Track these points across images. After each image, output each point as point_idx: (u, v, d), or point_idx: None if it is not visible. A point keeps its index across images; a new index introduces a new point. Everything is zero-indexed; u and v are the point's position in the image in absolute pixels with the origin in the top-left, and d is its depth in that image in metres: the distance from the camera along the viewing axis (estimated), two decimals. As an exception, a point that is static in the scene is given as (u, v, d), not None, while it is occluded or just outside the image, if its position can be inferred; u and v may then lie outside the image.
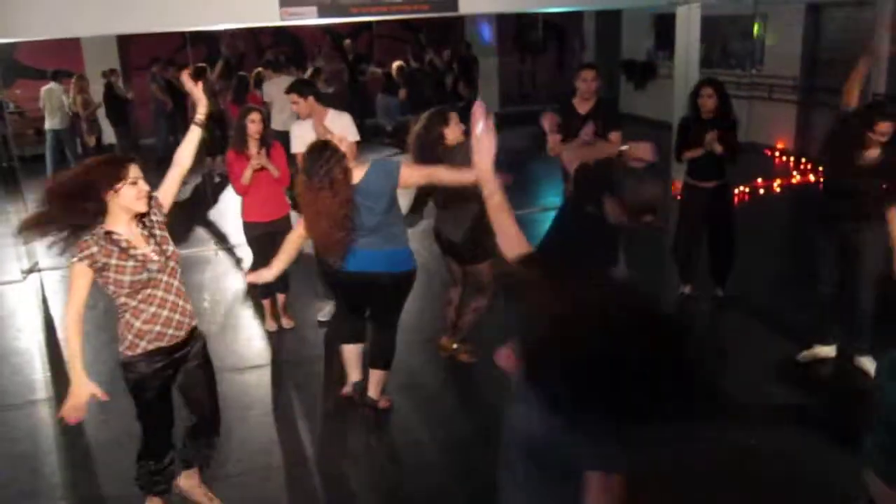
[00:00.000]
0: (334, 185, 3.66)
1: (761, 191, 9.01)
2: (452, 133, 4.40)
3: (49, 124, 10.77)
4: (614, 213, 3.08)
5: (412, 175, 3.93)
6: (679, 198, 5.82)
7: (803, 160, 10.20)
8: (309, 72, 10.78)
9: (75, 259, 2.87)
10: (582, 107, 5.43)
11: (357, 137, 5.29)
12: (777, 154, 10.87)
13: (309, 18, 7.16)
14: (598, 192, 3.16)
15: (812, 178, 9.48)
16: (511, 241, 2.10)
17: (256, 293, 5.82)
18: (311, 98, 5.19)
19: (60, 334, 5.83)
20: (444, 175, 3.86)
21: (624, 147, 3.71)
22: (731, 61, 12.84)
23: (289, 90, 5.29)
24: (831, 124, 4.71)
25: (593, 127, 4.76)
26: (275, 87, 9.16)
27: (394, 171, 3.83)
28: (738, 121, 5.47)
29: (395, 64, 11.56)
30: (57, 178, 3.04)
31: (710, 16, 9.61)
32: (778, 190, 9.15)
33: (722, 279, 5.73)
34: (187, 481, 3.58)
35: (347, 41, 13.72)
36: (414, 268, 4.14)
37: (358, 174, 3.83)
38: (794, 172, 9.79)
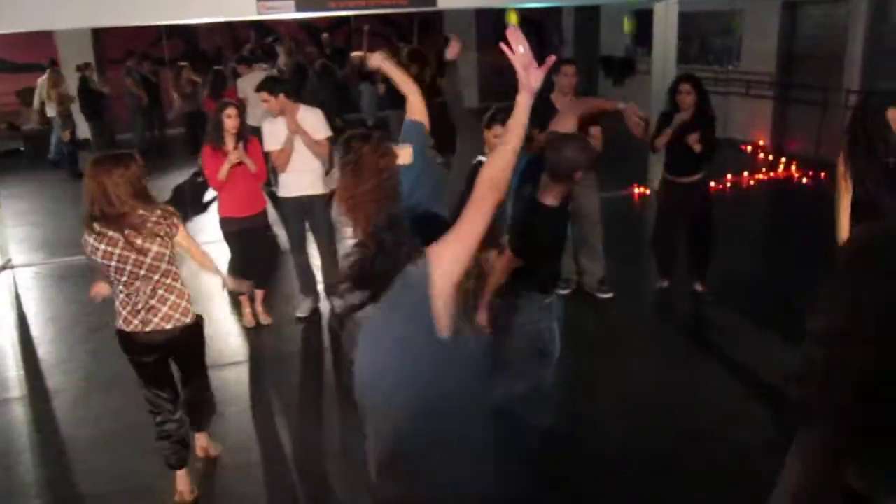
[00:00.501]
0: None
1: (739, 186, 9.08)
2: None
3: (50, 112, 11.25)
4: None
5: None
6: (657, 193, 5.83)
7: (780, 155, 10.30)
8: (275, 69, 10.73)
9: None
10: (560, 101, 5.43)
11: (329, 133, 5.29)
12: (754, 149, 10.96)
13: (286, 12, 7.12)
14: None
15: (788, 173, 9.58)
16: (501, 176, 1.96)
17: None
18: (281, 96, 5.19)
19: (34, 331, 5.78)
20: None
21: (621, 105, 3.66)
22: (708, 57, 12.93)
23: (259, 88, 5.28)
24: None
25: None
26: (249, 83, 9.10)
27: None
28: (716, 117, 5.48)
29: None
30: None
31: (688, 12, 9.68)
32: (755, 185, 9.23)
33: (701, 274, 5.76)
34: (199, 443, 3.96)
35: (325, 35, 13.67)
36: None
37: None
38: (772, 168, 9.87)
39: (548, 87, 5.67)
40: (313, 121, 5.30)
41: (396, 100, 10.06)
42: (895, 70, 9.05)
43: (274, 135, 5.26)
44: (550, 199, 3.30)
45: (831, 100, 9.85)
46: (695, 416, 4.18)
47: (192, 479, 3.65)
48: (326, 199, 5.38)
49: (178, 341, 3.41)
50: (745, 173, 9.37)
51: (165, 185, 10.10)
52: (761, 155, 10.65)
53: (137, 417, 3.88)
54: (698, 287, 5.76)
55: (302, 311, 5.70)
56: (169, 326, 3.36)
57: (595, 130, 5.17)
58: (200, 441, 3.97)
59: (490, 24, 15.98)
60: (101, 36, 13.39)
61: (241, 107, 5.30)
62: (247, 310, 5.65)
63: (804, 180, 9.23)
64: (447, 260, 1.92)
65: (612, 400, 4.49)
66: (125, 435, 4.19)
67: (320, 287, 5.79)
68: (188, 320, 3.44)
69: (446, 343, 1.95)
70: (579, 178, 3.29)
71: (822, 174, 9.08)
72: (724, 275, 5.90)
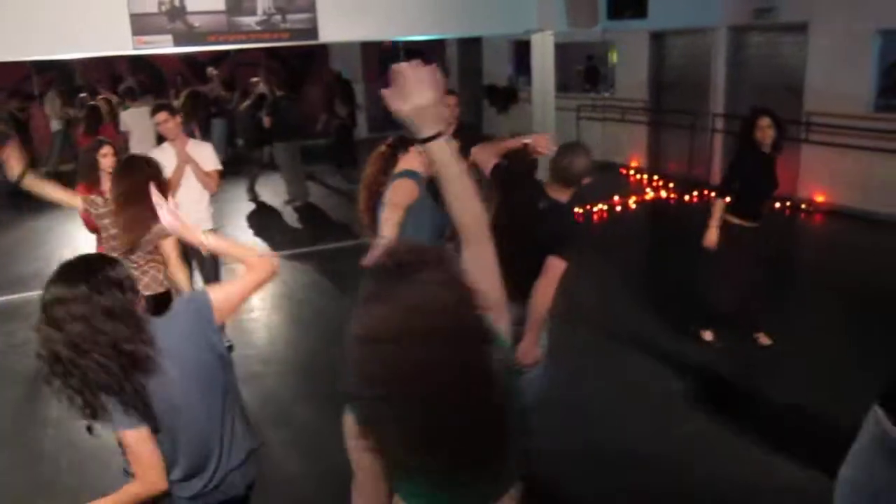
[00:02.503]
0: None
1: (618, 208, 9.48)
2: None
3: None
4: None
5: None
6: (720, 240, 5.10)
7: (655, 177, 10.83)
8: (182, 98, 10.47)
9: None
10: (475, 152, 5.62)
11: (218, 166, 5.29)
12: (631, 172, 11.48)
13: (164, 47, 6.96)
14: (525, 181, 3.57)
15: (664, 194, 10.08)
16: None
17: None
18: (178, 117, 5.27)
19: None
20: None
21: (527, 140, 3.87)
22: (585, 86, 13.51)
23: (157, 109, 5.32)
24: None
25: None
26: (132, 116, 8.85)
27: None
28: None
29: (258, 91, 11.39)
30: None
31: (564, 43, 10.09)
32: (633, 206, 9.66)
33: (760, 325, 5.37)
34: None
35: (211, 69, 13.41)
36: None
37: None
38: (648, 189, 10.37)
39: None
40: (203, 153, 5.30)
41: (282, 133, 10.06)
42: (754, 95, 9.74)
43: (163, 164, 5.17)
44: (564, 197, 3.51)
45: (699, 124, 10.47)
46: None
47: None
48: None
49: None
50: (624, 195, 9.80)
51: (42, 225, 9.64)
52: (638, 176, 11.18)
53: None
54: (764, 340, 5.30)
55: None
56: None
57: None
58: None
59: (375, 55, 16.17)
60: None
61: (115, 145, 5.16)
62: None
63: (686, 199, 9.73)
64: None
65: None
66: None
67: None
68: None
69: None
70: (588, 182, 3.49)
71: (695, 193, 9.62)
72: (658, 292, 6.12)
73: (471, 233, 1.62)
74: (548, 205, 3.48)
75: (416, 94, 1.49)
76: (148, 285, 4.03)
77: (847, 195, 8.64)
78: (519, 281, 3.28)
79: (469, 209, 1.60)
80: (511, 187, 3.59)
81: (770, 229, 5.07)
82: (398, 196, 3.61)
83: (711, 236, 5.06)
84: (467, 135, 5.74)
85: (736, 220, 5.07)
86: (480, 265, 1.60)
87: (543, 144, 3.78)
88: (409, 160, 3.77)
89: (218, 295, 2.31)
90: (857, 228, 8.24)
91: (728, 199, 5.11)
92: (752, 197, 5.11)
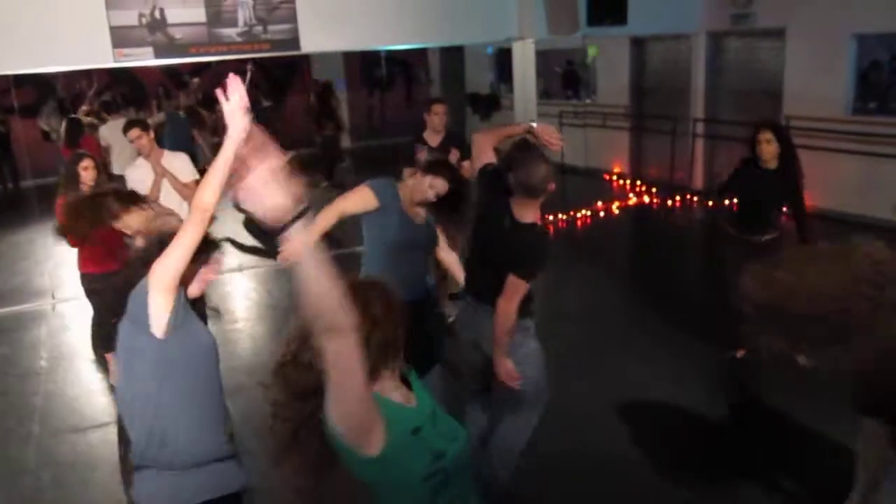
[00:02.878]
0: None
1: (601, 213, 9.53)
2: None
3: None
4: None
5: None
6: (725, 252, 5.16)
7: (638, 182, 10.90)
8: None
9: None
10: (433, 139, 5.73)
11: (196, 176, 5.28)
12: (614, 177, 11.54)
13: (145, 59, 6.95)
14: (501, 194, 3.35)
15: (646, 199, 10.14)
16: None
17: (100, 346, 5.53)
18: (151, 133, 5.25)
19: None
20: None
21: (533, 125, 3.64)
22: (567, 92, 13.58)
23: (128, 126, 5.34)
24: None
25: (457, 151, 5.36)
26: (112, 130, 8.81)
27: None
28: (803, 174, 4.88)
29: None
30: None
31: (546, 50, 10.15)
32: (616, 212, 9.71)
33: None
34: None
35: (195, 80, 13.30)
36: None
37: None
38: (631, 194, 10.43)
39: (419, 126, 5.89)
40: (179, 165, 5.32)
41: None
42: (734, 99, 9.83)
43: (139, 181, 5.17)
44: (530, 218, 3.32)
45: (680, 128, 10.55)
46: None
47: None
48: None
49: None
50: (607, 200, 9.85)
51: (24, 239, 9.56)
52: (621, 182, 11.24)
53: None
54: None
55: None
56: None
57: (466, 164, 5.26)
58: None
59: (357, 66, 16.19)
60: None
61: (96, 158, 5.16)
62: (113, 367, 5.40)
63: (669, 204, 9.79)
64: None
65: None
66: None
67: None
68: None
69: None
70: (553, 188, 3.30)
71: (677, 198, 9.69)
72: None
73: (325, 323, 1.53)
74: (511, 224, 3.32)
75: (266, 198, 1.50)
76: None
77: (825, 198, 8.71)
78: (488, 294, 3.31)
79: (325, 297, 1.51)
80: (487, 198, 3.50)
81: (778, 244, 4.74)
82: (348, 200, 3.63)
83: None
84: (456, 140, 5.80)
85: (737, 233, 4.91)
86: (341, 362, 1.55)
87: (553, 138, 3.53)
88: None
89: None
90: (836, 231, 8.32)
91: (712, 202, 5.05)
92: (749, 211, 4.92)
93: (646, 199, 10.17)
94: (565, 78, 13.73)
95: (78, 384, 5.51)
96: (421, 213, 3.71)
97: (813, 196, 8.79)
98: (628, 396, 4.76)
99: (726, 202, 5.07)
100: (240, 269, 7.86)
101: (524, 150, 3.40)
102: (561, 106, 12.65)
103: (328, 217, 3.55)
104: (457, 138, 5.94)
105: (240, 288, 7.42)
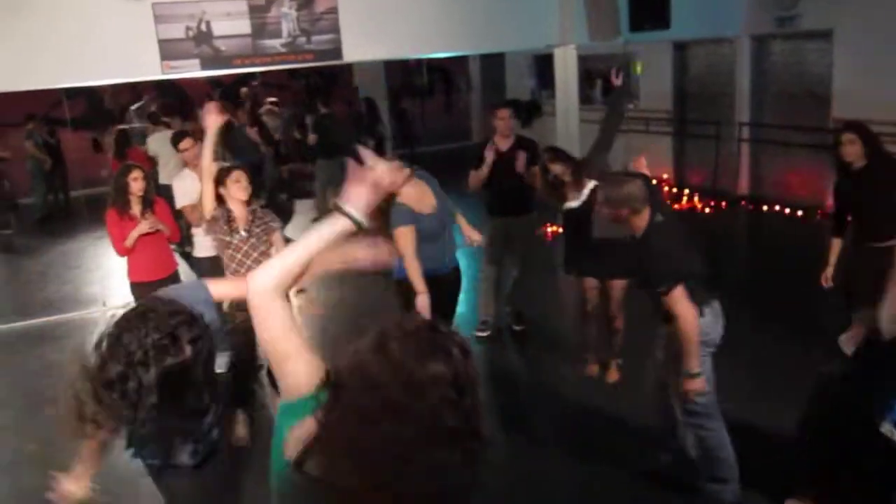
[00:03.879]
0: None
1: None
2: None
3: None
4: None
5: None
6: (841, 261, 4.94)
7: (683, 188, 10.76)
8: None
9: None
10: (503, 144, 5.62)
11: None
12: (659, 183, 11.39)
13: (192, 71, 7.09)
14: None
15: (692, 204, 10.01)
16: None
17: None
18: (199, 143, 5.24)
19: None
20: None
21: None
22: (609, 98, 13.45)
23: (179, 137, 5.47)
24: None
25: (525, 155, 5.39)
26: (159, 141, 8.96)
27: None
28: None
29: (285, 111, 11.50)
30: None
31: (588, 55, 10.08)
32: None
33: None
34: None
35: (245, 89, 13.43)
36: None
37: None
38: (676, 200, 10.30)
39: (461, 133, 5.87)
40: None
41: (328, 150, 10.04)
42: (779, 103, 9.66)
43: (185, 191, 5.22)
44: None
45: (724, 133, 10.39)
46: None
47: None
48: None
49: None
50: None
51: (74, 248, 9.79)
52: (665, 188, 11.10)
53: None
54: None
55: (219, 366, 5.59)
56: None
57: (534, 169, 5.30)
58: None
59: (398, 74, 16.28)
60: (-4, 100, 12.96)
61: (145, 169, 5.22)
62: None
63: (707, 210, 9.66)
64: None
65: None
66: None
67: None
68: None
69: None
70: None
71: (722, 203, 9.54)
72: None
73: (280, 282, 1.65)
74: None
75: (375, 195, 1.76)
76: None
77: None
78: None
79: (303, 265, 1.68)
80: None
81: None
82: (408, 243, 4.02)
83: (827, 274, 4.86)
84: (527, 144, 5.71)
85: (867, 244, 4.62)
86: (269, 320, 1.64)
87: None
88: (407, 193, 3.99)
89: None
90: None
91: (839, 236, 4.85)
92: (864, 217, 4.70)
93: (692, 204, 10.04)
94: (604, 85, 13.63)
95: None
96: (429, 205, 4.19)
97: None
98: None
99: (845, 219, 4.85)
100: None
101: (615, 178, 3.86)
102: (602, 111, 12.52)
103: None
104: (527, 143, 5.75)
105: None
